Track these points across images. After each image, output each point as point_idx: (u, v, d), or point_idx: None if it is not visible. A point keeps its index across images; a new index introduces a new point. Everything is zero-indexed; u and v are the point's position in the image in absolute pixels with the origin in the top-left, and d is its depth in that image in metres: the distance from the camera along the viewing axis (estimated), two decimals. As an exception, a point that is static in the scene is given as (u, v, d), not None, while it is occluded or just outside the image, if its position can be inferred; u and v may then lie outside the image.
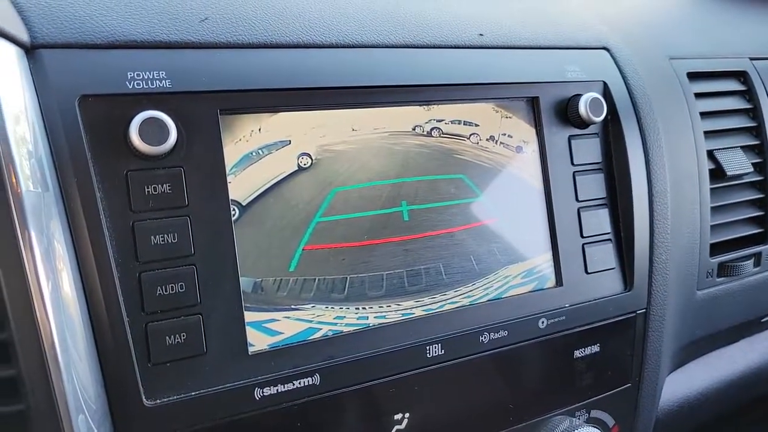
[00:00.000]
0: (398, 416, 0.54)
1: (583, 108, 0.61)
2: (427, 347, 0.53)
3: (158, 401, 0.44)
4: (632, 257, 0.64)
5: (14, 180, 0.39)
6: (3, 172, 0.38)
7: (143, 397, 0.43)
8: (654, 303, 0.66)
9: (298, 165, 0.51)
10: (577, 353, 0.61)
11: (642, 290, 0.65)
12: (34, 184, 0.40)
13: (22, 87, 0.42)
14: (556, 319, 0.59)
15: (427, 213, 0.55)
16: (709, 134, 0.80)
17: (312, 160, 0.51)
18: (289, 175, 0.50)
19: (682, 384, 0.89)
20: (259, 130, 0.49)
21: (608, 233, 0.64)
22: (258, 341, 0.48)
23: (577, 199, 0.62)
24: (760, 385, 1.00)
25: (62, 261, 0.41)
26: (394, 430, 0.54)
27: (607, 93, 0.65)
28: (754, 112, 0.86)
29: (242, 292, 0.47)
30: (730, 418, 1.02)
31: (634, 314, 0.65)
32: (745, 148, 0.85)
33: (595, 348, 0.62)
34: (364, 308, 0.52)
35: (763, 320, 0.92)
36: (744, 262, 0.83)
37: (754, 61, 0.89)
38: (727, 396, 0.94)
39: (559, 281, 0.61)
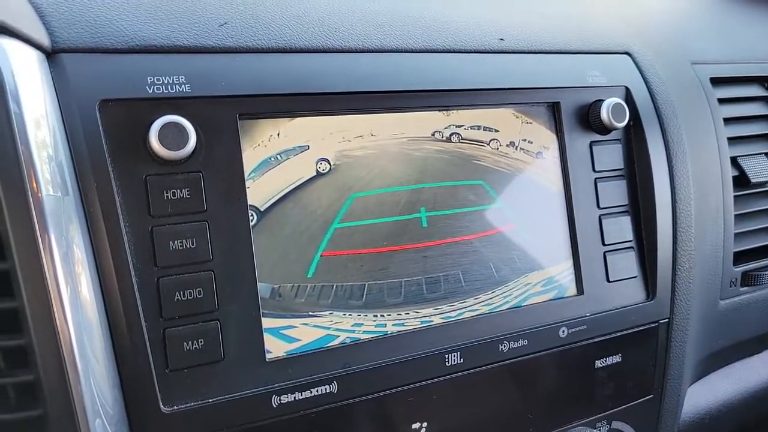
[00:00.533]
0: (416, 425, 0.53)
1: (605, 113, 0.60)
2: (446, 356, 0.52)
3: (175, 407, 0.43)
4: (655, 265, 0.62)
5: (35, 185, 0.39)
6: (24, 176, 0.38)
7: (160, 403, 0.43)
8: (677, 312, 0.64)
9: (317, 170, 0.50)
10: (599, 363, 0.60)
11: (665, 299, 0.63)
12: (54, 189, 0.40)
13: (42, 91, 0.42)
14: (577, 329, 0.58)
15: (446, 219, 0.55)
16: (732, 140, 0.79)
17: (330, 165, 0.51)
18: (308, 180, 0.50)
19: (704, 395, 0.87)
20: (278, 135, 0.49)
21: (630, 241, 0.62)
22: (275, 348, 0.47)
23: (598, 206, 0.61)
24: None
25: (81, 265, 0.41)
26: (412, 439, 0.53)
27: (629, 98, 0.64)
28: (779, 119, 0.85)
29: (260, 298, 0.47)
30: (753, 431, 0.99)
31: (656, 324, 0.63)
32: (769, 156, 0.83)
33: (617, 358, 0.61)
34: (382, 315, 0.51)
35: (787, 330, 0.90)
36: (768, 272, 0.81)
37: (778, 66, 0.88)
38: (750, 408, 0.92)
39: (580, 290, 0.59)
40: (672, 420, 0.68)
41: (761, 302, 0.82)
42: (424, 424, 0.53)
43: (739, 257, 0.79)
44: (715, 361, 0.83)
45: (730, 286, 0.79)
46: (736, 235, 0.79)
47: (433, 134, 0.55)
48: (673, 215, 0.63)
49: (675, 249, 0.64)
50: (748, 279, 0.80)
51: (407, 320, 0.52)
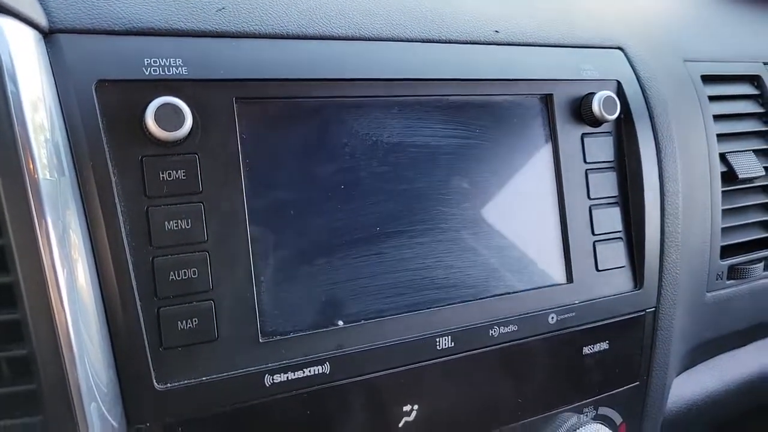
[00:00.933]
0: (407, 408, 0.54)
1: (596, 106, 0.61)
2: (437, 339, 0.53)
3: (169, 385, 0.44)
4: (643, 256, 0.63)
5: (31, 165, 0.39)
6: (20, 156, 0.39)
7: (154, 380, 0.43)
8: (664, 302, 0.66)
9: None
10: (586, 350, 0.61)
11: (652, 289, 0.64)
12: (50, 170, 0.41)
13: (39, 71, 0.42)
14: (566, 315, 0.59)
15: (439, 207, 0.55)
16: (721, 137, 0.80)
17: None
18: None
19: (690, 386, 0.89)
20: (274, 119, 0.49)
21: (619, 231, 0.63)
22: (270, 328, 0.48)
23: (589, 197, 0.62)
24: (764, 394, 1.00)
25: (77, 244, 0.42)
26: (403, 421, 0.54)
27: (620, 92, 0.65)
28: (767, 117, 0.86)
29: (254, 279, 0.47)
30: (737, 423, 1.01)
31: (643, 312, 0.64)
32: (757, 152, 0.84)
33: (604, 345, 0.62)
34: (375, 300, 0.52)
35: (772, 325, 0.91)
36: (754, 266, 0.82)
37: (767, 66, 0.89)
38: (735, 400, 0.93)
39: (569, 278, 0.60)
40: (658, 407, 0.70)
41: (747, 296, 0.84)
42: (415, 407, 0.54)
43: (726, 251, 0.81)
44: (701, 352, 0.85)
45: (717, 279, 0.80)
46: (723, 229, 0.80)
47: (427, 124, 0.55)
48: (661, 207, 0.64)
49: (663, 240, 0.65)
50: (734, 272, 0.81)
51: (399, 305, 0.53)
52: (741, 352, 0.96)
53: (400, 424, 0.54)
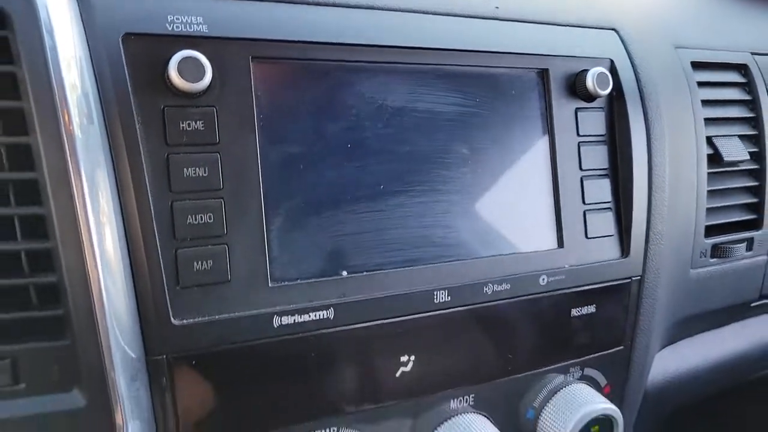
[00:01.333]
0: (404, 358, 0.57)
1: (590, 81, 0.64)
2: (435, 293, 0.56)
3: (184, 321, 0.47)
4: (630, 226, 0.67)
5: (66, 116, 0.42)
6: (56, 105, 0.42)
7: (171, 316, 0.46)
8: (649, 271, 0.69)
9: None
10: (574, 312, 0.64)
11: (638, 258, 0.68)
12: (81, 117, 0.44)
13: (71, 24, 0.45)
14: (556, 278, 0.62)
15: (440, 170, 0.58)
16: (709, 121, 0.84)
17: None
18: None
19: (673, 361, 0.92)
20: (287, 79, 0.53)
21: (609, 202, 0.67)
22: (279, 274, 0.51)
23: (580, 168, 0.66)
24: (746, 370, 1.04)
25: (103, 186, 0.45)
26: (400, 371, 0.57)
27: (613, 70, 0.68)
28: (753, 104, 0.90)
29: (265, 227, 0.50)
30: (717, 399, 1.05)
31: (629, 280, 0.68)
32: (743, 138, 0.88)
33: (591, 309, 0.65)
34: (377, 253, 0.55)
35: (752, 305, 0.95)
36: (737, 245, 0.86)
37: (755, 56, 0.93)
38: (715, 377, 0.97)
39: (560, 243, 0.64)
40: (640, 373, 0.73)
41: (729, 275, 0.88)
42: (412, 357, 0.57)
43: (710, 231, 0.84)
44: (684, 327, 0.88)
45: (701, 257, 0.84)
46: (708, 209, 0.84)
47: (427, 92, 0.59)
48: (648, 181, 0.68)
49: (649, 212, 0.68)
50: (717, 251, 0.85)
51: (400, 260, 0.56)
52: (724, 331, 1.00)
53: (398, 374, 0.57)
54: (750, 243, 0.89)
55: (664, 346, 0.89)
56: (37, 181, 0.41)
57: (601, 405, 0.64)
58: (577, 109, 0.66)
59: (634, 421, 0.86)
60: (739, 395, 1.09)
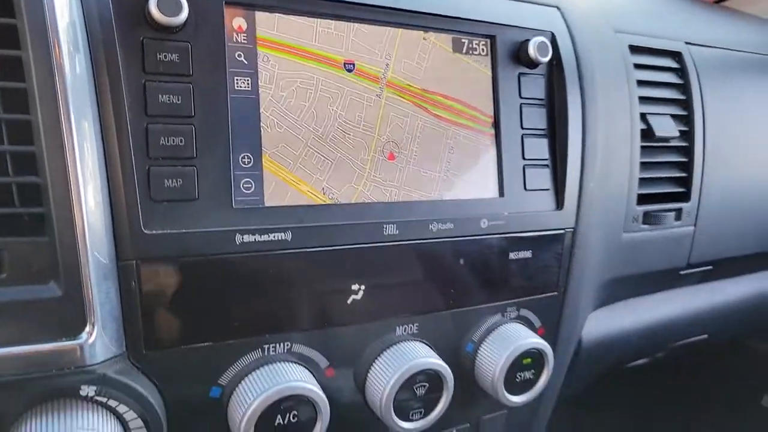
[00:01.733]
0: (355, 286, 0.63)
1: (532, 49, 0.71)
2: (384, 226, 0.62)
3: (155, 231, 0.52)
4: (564, 181, 0.74)
5: (56, 43, 0.47)
6: (48, 32, 0.46)
7: (142, 226, 0.51)
8: (581, 224, 0.76)
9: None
10: (512, 255, 0.71)
11: (571, 211, 0.75)
12: (68, 46, 0.48)
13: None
14: (496, 222, 0.69)
15: (397, 123, 0.65)
16: (643, 100, 0.92)
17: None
18: (278, 65, 0.59)
19: (607, 321, 1.00)
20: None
21: (546, 159, 0.74)
22: (241, 197, 0.57)
23: (522, 127, 0.73)
24: (675, 335, 1.13)
25: (86, 106, 0.49)
26: (351, 299, 0.63)
27: (554, 42, 0.76)
28: (684, 88, 0.99)
29: (231, 155, 0.56)
30: (641, 367, 1.14)
31: (563, 231, 0.75)
32: (674, 117, 0.97)
33: (528, 254, 0.72)
34: (331, 189, 0.61)
35: (682, 273, 1.04)
36: (666, 214, 0.95)
37: (689, 45, 1.02)
38: (645, 339, 1.06)
39: (501, 193, 0.71)
40: (572, 321, 0.81)
41: (660, 241, 0.96)
42: (362, 286, 0.63)
43: (643, 199, 0.93)
44: (618, 288, 0.96)
45: (633, 222, 0.92)
46: (641, 180, 0.92)
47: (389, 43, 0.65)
48: (582, 142, 0.76)
49: (582, 170, 0.76)
50: (648, 218, 0.94)
51: (353, 196, 0.62)
52: (656, 298, 1.08)
53: (349, 301, 0.63)
54: (678, 213, 0.97)
55: (598, 306, 0.97)
56: (26, 91, 0.46)
57: (533, 339, 0.70)
58: (520, 74, 0.73)
59: (565, 377, 0.94)
60: (663, 364, 1.18)
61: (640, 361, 1.29)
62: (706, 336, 1.20)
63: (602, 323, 1.00)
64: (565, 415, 1.65)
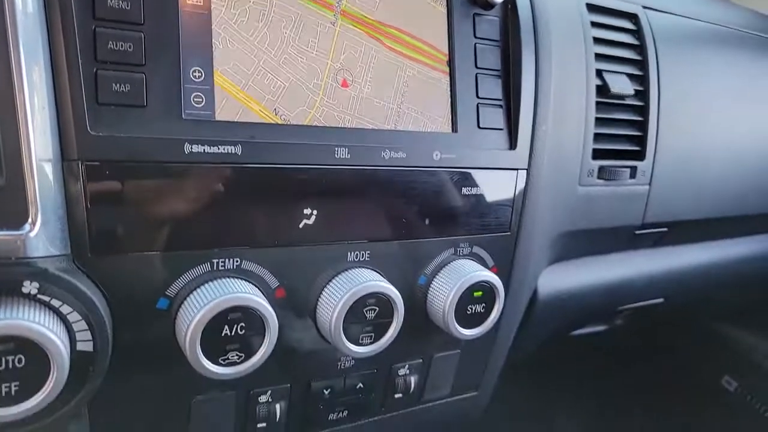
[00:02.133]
0: (307, 211, 0.63)
1: (486, -10, 0.73)
2: (336, 149, 0.63)
3: (101, 133, 0.52)
4: (518, 121, 0.76)
5: None
6: None
7: (88, 127, 0.52)
8: (534, 166, 0.78)
9: None
10: (464, 191, 0.72)
11: (524, 152, 0.77)
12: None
13: None
14: (449, 155, 0.70)
15: (351, 52, 0.66)
16: (599, 57, 0.95)
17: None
18: None
19: (563, 277, 1.02)
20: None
21: (500, 99, 0.76)
22: (191, 110, 0.57)
23: (476, 66, 0.74)
24: (629, 296, 1.16)
25: (32, 13, 0.50)
26: (303, 223, 0.63)
27: (509, -12, 0.78)
28: (641, 50, 1.02)
29: (182, 66, 0.56)
30: (595, 315, 1.16)
31: (516, 171, 0.77)
32: (630, 77, 1.00)
33: (480, 190, 0.74)
34: (283, 110, 0.62)
35: (637, 232, 1.07)
36: (621, 170, 0.97)
37: (646, 9, 1.05)
38: (600, 297, 1.08)
39: (454, 129, 0.72)
40: (525, 263, 0.82)
41: (615, 198, 0.98)
42: (314, 212, 0.64)
43: (598, 155, 0.95)
44: (574, 243, 0.98)
45: (588, 176, 0.95)
46: (597, 135, 0.95)
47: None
48: (535, 84, 0.77)
49: (535, 112, 0.78)
50: (603, 173, 0.96)
51: (304, 118, 0.63)
52: (612, 258, 1.11)
53: (301, 225, 0.63)
54: (633, 171, 1.00)
55: (554, 260, 0.99)
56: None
57: (484, 272, 0.72)
58: (475, 14, 0.75)
59: (520, 330, 0.96)
60: (612, 313, 1.20)
61: (597, 328, 1.32)
62: (662, 300, 1.23)
63: (558, 279, 1.02)
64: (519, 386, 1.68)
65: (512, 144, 0.77)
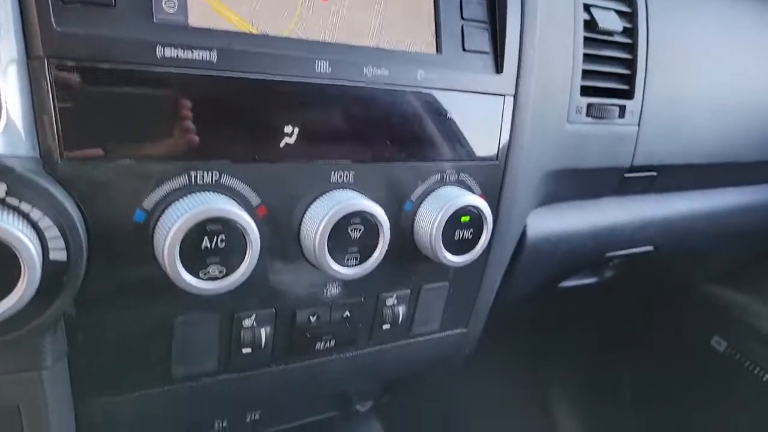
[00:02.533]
0: (288, 129, 0.61)
1: None
2: (316, 62, 0.61)
3: (67, 30, 0.50)
4: (504, 44, 0.74)
5: None
6: None
7: (54, 23, 0.49)
8: (521, 92, 0.77)
9: None
10: (450, 114, 0.71)
11: (511, 77, 0.75)
12: None
13: None
14: (433, 75, 0.68)
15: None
16: (587, -8, 0.93)
17: None
18: None
19: (554, 220, 1.01)
20: None
21: (485, 22, 0.74)
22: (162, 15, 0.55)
23: (460, -14, 0.72)
24: (622, 241, 1.15)
25: None
26: (284, 142, 0.62)
27: None
28: (630, -9, 1.00)
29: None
30: (582, 259, 1.15)
31: (502, 96, 0.75)
32: (620, 15, 0.98)
33: (467, 115, 0.72)
34: (260, 22, 0.60)
35: (626, 175, 1.06)
36: (610, 107, 0.96)
37: (634, -55, 1.03)
38: (591, 240, 1.07)
39: (439, 49, 0.70)
40: (513, 195, 0.80)
41: (604, 137, 0.97)
42: (296, 130, 0.62)
43: (586, 91, 0.94)
44: (563, 183, 0.97)
45: (576, 113, 0.93)
46: (585, 72, 0.93)
47: None
48: (521, 6, 0.76)
49: (522, 35, 0.76)
50: (592, 110, 0.95)
51: (284, 30, 0.61)
52: (603, 202, 1.10)
53: (282, 143, 0.61)
54: (622, 110, 0.99)
55: (544, 201, 0.98)
56: None
57: (471, 197, 0.70)
58: (458, -66, 0.73)
59: (510, 269, 0.95)
60: (599, 260, 1.20)
61: (587, 280, 1.32)
62: (651, 248, 1.23)
63: (548, 221, 1.01)
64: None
65: (499, 68, 0.75)
